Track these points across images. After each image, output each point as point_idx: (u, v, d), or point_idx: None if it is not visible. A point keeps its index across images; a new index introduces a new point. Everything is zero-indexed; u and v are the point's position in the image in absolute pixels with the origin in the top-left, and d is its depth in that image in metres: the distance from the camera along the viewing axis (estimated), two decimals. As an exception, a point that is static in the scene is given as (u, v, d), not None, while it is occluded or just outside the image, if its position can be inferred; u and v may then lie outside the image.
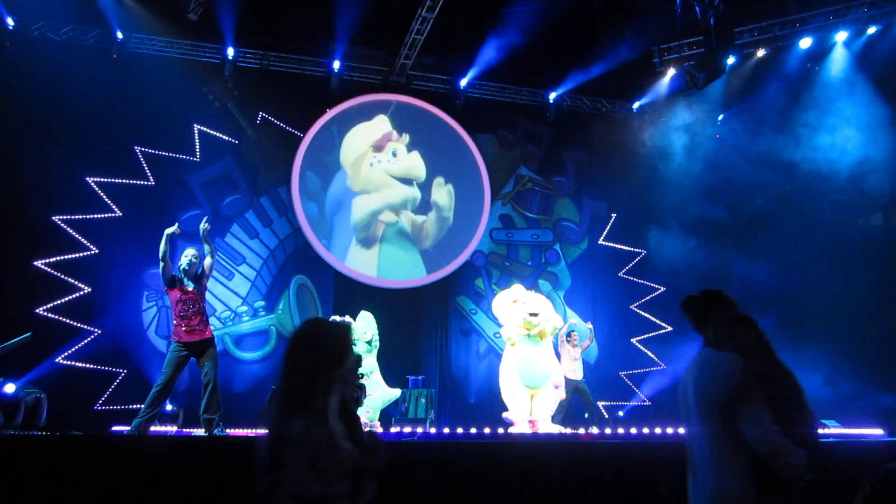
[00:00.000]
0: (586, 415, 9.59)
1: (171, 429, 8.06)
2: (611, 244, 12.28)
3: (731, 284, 11.05)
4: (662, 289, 11.84)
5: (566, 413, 8.99)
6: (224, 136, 10.48)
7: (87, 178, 9.43)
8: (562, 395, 8.46)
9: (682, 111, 11.35)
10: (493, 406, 8.89)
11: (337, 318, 8.98)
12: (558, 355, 9.06)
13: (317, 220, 10.81)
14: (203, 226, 6.45)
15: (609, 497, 4.99)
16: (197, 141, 10.30)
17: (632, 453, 5.35)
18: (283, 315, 10.42)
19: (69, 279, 9.12)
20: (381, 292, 10.76)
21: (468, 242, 11.49)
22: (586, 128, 12.08)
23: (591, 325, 10.24)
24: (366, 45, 11.23)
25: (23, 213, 8.93)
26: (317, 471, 1.97)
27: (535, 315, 8.14)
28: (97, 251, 9.35)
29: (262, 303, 10.34)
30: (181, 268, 6.22)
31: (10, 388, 6.74)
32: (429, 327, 11.24)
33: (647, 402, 11.28)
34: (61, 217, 9.18)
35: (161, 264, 6.20)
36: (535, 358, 8.09)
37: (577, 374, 9.31)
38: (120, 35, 9.89)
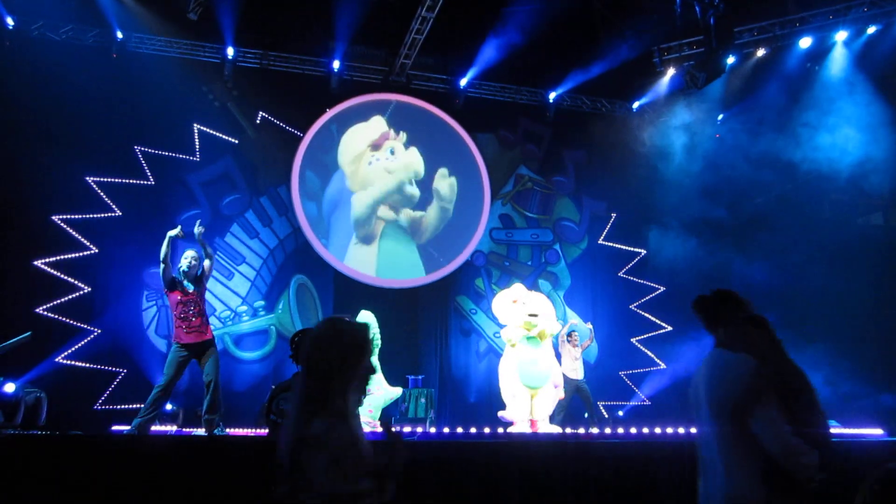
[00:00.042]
0: (586, 414, 9.60)
1: (171, 428, 8.06)
2: (611, 244, 12.28)
3: (731, 284, 10.95)
4: (662, 289, 11.85)
5: (566, 413, 8.99)
6: (224, 136, 10.48)
7: (87, 178, 9.43)
8: (561, 394, 8.46)
9: (682, 111, 11.34)
10: (492, 406, 8.89)
11: None
12: (558, 355, 9.07)
13: (316, 219, 10.81)
14: (197, 230, 6.44)
15: (609, 497, 4.99)
16: (197, 140, 10.30)
17: (632, 453, 5.35)
18: (282, 315, 10.42)
19: (69, 279, 9.12)
20: (381, 292, 10.76)
21: (468, 242, 11.49)
22: (586, 127, 12.07)
23: (590, 326, 10.24)
24: (366, 44, 11.23)
25: (23, 212, 8.93)
26: (341, 470, 1.97)
27: (534, 316, 8.15)
28: (97, 251, 9.35)
29: (262, 302, 10.34)
30: (181, 270, 6.23)
31: (9, 387, 6.74)
32: (429, 327, 11.24)
33: (647, 402, 11.28)
34: (61, 217, 9.18)
35: (162, 266, 6.21)
36: (536, 358, 8.09)
37: (578, 373, 9.31)
38: (120, 35, 9.88)
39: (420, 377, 9.78)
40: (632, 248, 12.23)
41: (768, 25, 10.49)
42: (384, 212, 11.10)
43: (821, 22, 10.29)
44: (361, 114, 11.33)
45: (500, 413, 8.33)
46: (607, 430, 8.79)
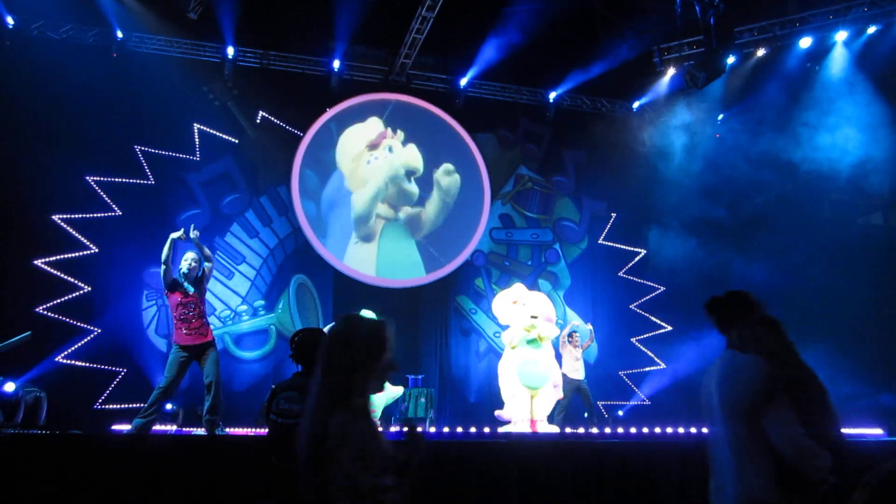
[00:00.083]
0: (585, 414, 9.60)
1: (171, 428, 8.06)
2: (611, 244, 12.28)
3: (731, 284, 10.95)
4: (662, 288, 11.85)
5: (566, 413, 8.99)
6: (224, 136, 10.48)
7: (87, 178, 9.43)
8: (559, 394, 8.47)
9: (682, 111, 11.34)
10: (492, 405, 8.89)
11: None
12: (559, 356, 9.07)
13: (315, 218, 10.81)
14: (192, 234, 6.44)
15: (609, 497, 5.00)
16: (197, 140, 10.29)
17: (631, 453, 5.35)
18: (282, 314, 10.42)
19: (69, 278, 9.12)
20: (381, 291, 10.76)
21: (468, 242, 11.49)
22: (586, 127, 12.06)
23: (591, 327, 10.24)
24: (366, 44, 11.23)
25: (23, 212, 8.92)
26: (365, 463, 1.98)
27: (534, 318, 8.18)
28: (97, 250, 9.35)
29: (262, 302, 10.34)
30: (181, 272, 6.24)
31: (9, 386, 6.75)
32: (429, 327, 11.24)
33: (647, 402, 11.28)
34: (61, 216, 9.18)
35: (163, 267, 6.23)
36: (536, 359, 8.11)
37: (579, 373, 9.31)
38: (120, 34, 9.88)
39: (420, 377, 9.78)
40: (632, 248, 12.23)
41: (768, 25, 10.49)
42: (383, 210, 11.10)
43: (821, 22, 10.29)
44: (361, 114, 11.33)
45: (496, 412, 8.34)
46: (607, 430, 8.79)
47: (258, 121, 10.77)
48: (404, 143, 11.38)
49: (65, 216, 9.20)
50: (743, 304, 2.80)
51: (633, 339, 11.80)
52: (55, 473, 4.27)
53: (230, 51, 10.46)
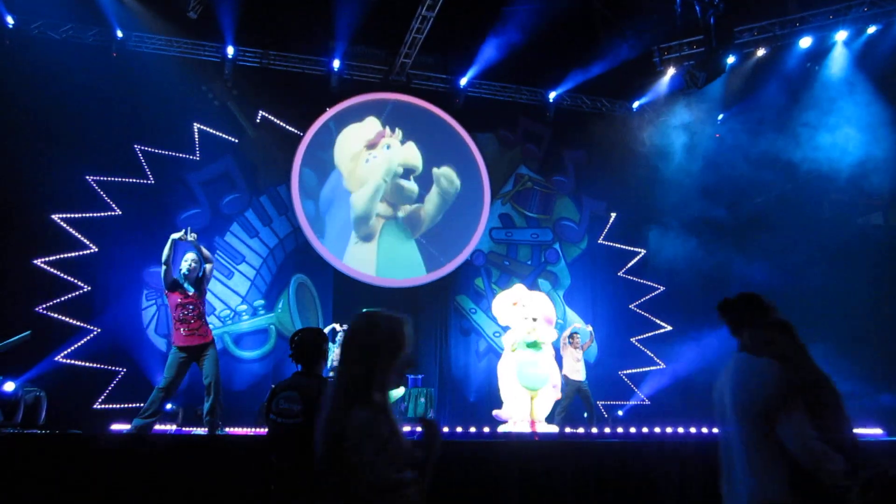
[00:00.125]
0: (585, 414, 9.60)
1: (171, 428, 8.06)
2: (610, 243, 12.28)
3: (731, 284, 11.02)
4: (662, 288, 11.86)
5: (566, 413, 8.99)
6: (224, 135, 10.47)
7: (87, 177, 9.42)
8: (557, 394, 8.48)
9: (682, 110, 11.34)
10: (492, 405, 8.89)
11: (337, 326, 8.98)
12: (560, 357, 9.06)
13: (314, 218, 10.81)
14: (190, 237, 6.41)
15: (609, 497, 5.00)
16: (197, 140, 10.29)
17: (631, 453, 5.36)
18: (282, 314, 10.42)
19: (69, 278, 9.12)
20: (381, 291, 10.76)
21: (468, 241, 11.48)
22: (586, 127, 12.06)
23: (591, 328, 10.24)
24: (366, 43, 11.22)
25: (22, 211, 8.92)
26: (387, 458, 1.98)
27: (534, 320, 8.20)
28: (97, 250, 9.35)
29: (262, 301, 10.34)
30: (182, 273, 6.23)
31: (9, 386, 6.74)
32: (428, 326, 11.24)
33: (647, 402, 11.28)
34: (61, 216, 9.18)
35: (163, 268, 6.22)
36: (536, 360, 8.12)
37: (580, 374, 9.30)
38: (120, 33, 9.87)
39: (420, 376, 9.78)
40: (632, 248, 12.23)
41: (768, 25, 10.49)
42: (383, 209, 11.09)
43: (821, 22, 10.29)
44: (360, 113, 11.33)
45: (494, 412, 8.34)
46: (607, 430, 8.79)
47: (258, 120, 10.76)
48: (403, 141, 11.38)
49: (65, 216, 9.20)
50: (755, 307, 2.78)
51: (632, 339, 11.80)
52: (55, 473, 4.26)
53: (230, 50, 10.46)
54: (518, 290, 8.90)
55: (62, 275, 9.08)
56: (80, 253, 9.24)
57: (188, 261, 6.25)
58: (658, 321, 11.74)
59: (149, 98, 9.78)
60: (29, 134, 8.96)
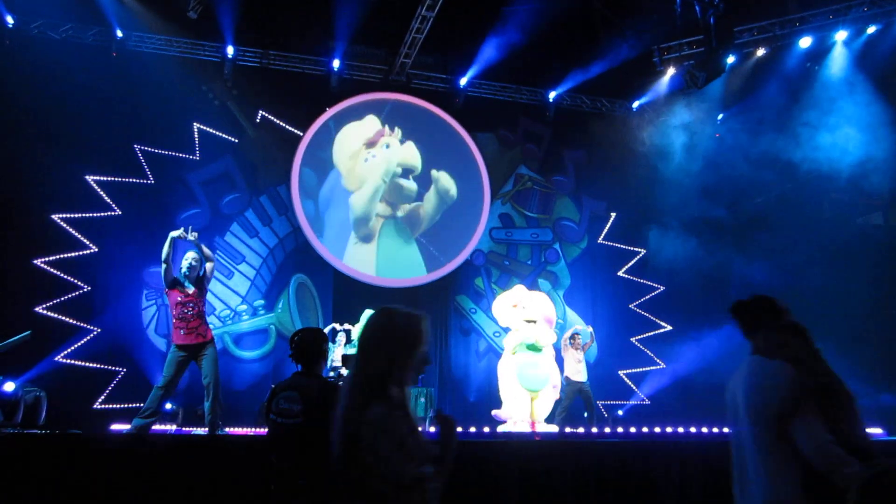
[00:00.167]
0: (585, 414, 9.60)
1: (171, 427, 8.06)
2: (610, 243, 12.28)
3: (730, 284, 11.06)
4: (662, 288, 11.86)
5: (567, 413, 8.99)
6: (224, 135, 10.48)
7: (87, 177, 9.43)
8: (557, 395, 8.48)
9: (682, 110, 11.34)
10: (492, 405, 8.90)
11: (337, 325, 8.99)
12: (560, 358, 9.05)
13: (314, 218, 10.81)
14: (190, 236, 6.40)
15: (609, 496, 5.00)
16: (197, 139, 10.29)
17: (631, 453, 5.35)
18: (282, 314, 10.42)
19: (69, 278, 9.12)
20: (381, 291, 10.75)
21: (468, 241, 11.48)
22: (586, 127, 12.05)
23: (591, 329, 10.24)
24: (366, 43, 11.22)
25: (23, 212, 8.93)
26: (406, 454, 1.97)
27: (532, 322, 8.21)
28: (97, 250, 9.35)
29: (262, 301, 10.34)
30: (182, 271, 6.22)
31: (9, 386, 6.74)
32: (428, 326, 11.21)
33: (647, 402, 11.28)
34: (61, 216, 9.18)
35: (163, 266, 6.20)
36: (536, 362, 8.13)
37: (581, 375, 9.30)
38: (119, 33, 9.88)
39: (419, 376, 9.76)
40: (631, 248, 12.23)
41: (768, 25, 10.49)
42: (382, 209, 11.09)
43: (821, 22, 10.29)
44: (359, 112, 11.33)
45: (494, 411, 8.33)
46: (607, 430, 8.79)
47: (258, 120, 10.76)
48: (402, 140, 11.37)
49: (65, 216, 9.20)
50: (768, 310, 2.77)
51: (632, 339, 11.80)
52: (55, 473, 4.26)
53: (230, 50, 10.45)
54: (518, 291, 8.90)
55: (62, 275, 9.08)
56: (80, 253, 9.24)
57: (188, 259, 6.24)
58: (658, 321, 11.74)
59: (149, 98, 9.78)
60: (29, 134, 8.96)
